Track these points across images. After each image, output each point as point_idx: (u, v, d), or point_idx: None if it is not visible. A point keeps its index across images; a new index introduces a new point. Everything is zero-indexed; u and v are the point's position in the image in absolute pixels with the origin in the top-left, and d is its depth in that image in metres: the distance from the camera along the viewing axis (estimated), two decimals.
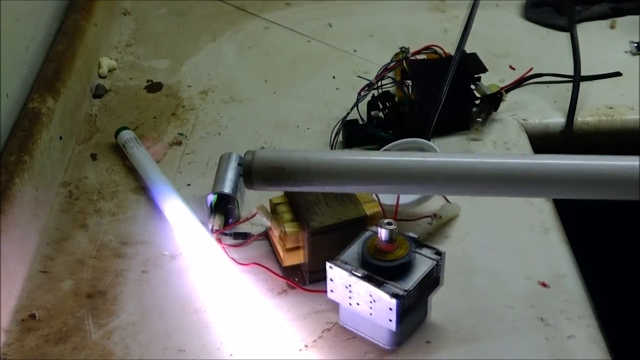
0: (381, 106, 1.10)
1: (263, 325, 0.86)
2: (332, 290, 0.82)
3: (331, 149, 1.10)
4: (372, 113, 1.10)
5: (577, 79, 1.16)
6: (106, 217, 1.01)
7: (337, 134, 1.10)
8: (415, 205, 0.95)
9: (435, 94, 1.07)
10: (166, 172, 1.05)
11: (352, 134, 1.10)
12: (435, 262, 0.82)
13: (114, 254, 0.95)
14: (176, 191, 1.01)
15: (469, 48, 1.11)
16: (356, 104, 1.10)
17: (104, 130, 1.16)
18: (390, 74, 1.16)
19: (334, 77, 1.26)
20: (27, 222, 0.94)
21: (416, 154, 0.77)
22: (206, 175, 1.06)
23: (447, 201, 0.99)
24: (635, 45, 1.28)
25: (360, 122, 1.10)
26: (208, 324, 0.86)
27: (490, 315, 0.86)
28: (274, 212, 0.92)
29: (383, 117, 1.10)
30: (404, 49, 1.18)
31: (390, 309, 0.78)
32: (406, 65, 1.15)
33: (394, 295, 0.77)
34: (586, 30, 1.31)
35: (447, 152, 0.77)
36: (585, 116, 1.16)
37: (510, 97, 1.17)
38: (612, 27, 1.35)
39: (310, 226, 0.86)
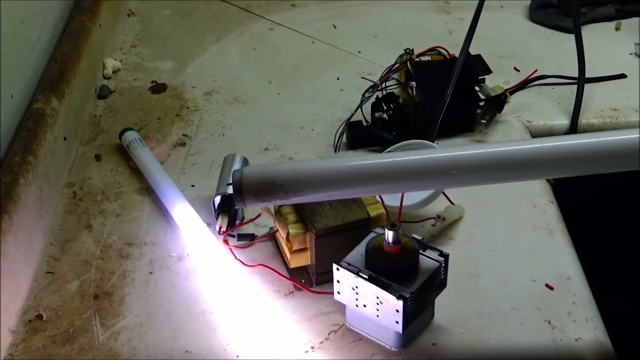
0: (385, 108, 1.10)
1: (270, 326, 0.86)
2: (338, 292, 0.82)
3: (335, 150, 1.10)
4: (376, 114, 1.10)
5: (581, 80, 1.16)
6: (110, 218, 1.01)
7: (341, 135, 1.10)
8: (419, 207, 0.95)
9: (439, 95, 1.07)
10: (170, 173, 1.05)
11: (356, 135, 1.10)
12: (439, 264, 0.82)
13: (120, 255, 0.95)
14: (180, 192, 1.01)
15: (473, 50, 1.11)
16: (360, 106, 1.10)
17: (108, 131, 1.16)
18: (395, 76, 1.17)
19: (338, 79, 1.26)
20: (31, 222, 0.94)
21: (401, 154, 0.77)
22: (210, 176, 1.06)
23: (451, 203, 0.99)
24: None
25: (364, 123, 1.10)
26: (215, 325, 0.86)
27: (496, 318, 0.86)
28: (278, 213, 0.92)
29: (387, 118, 1.10)
30: (408, 51, 1.18)
31: (397, 311, 0.78)
32: (410, 67, 1.15)
33: (400, 297, 0.77)
34: (591, 32, 1.31)
35: (426, 150, 0.78)
36: (589, 118, 1.16)
37: (514, 99, 1.17)
38: (617, 29, 1.35)
39: (314, 228, 0.86)
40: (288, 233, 0.88)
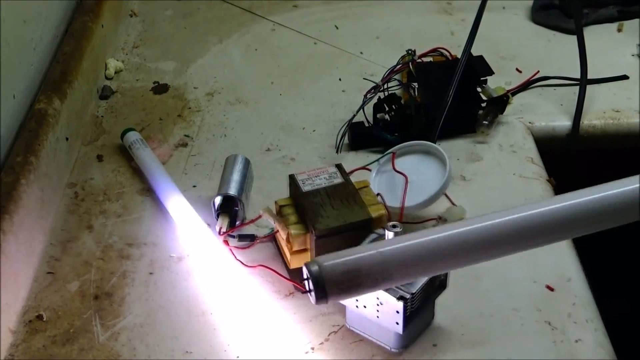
0: (387, 108, 1.10)
1: (270, 327, 0.86)
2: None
3: (337, 151, 1.10)
4: (378, 115, 1.10)
5: (583, 82, 1.16)
6: (112, 219, 1.01)
7: (343, 136, 1.10)
8: (420, 208, 0.95)
9: (441, 96, 1.07)
10: (172, 174, 1.05)
11: (358, 136, 1.10)
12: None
13: (120, 255, 0.95)
14: (182, 193, 1.01)
15: (475, 51, 1.11)
16: (362, 107, 1.10)
17: (110, 132, 1.16)
18: (397, 77, 1.17)
19: (340, 79, 1.26)
20: (33, 223, 0.94)
21: (490, 216, 0.69)
22: (212, 177, 1.06)
23: (453, 204, 0.99)
24: None
25: (366, 124, 1.10)
26: (215, 325, 0.87)
27: (497, 319, 0.86)
28: (279, 214, 0.92)
29: (389, 119, 1.10)
30: (410, 52, 1.18)
31: (397, 312, 0.78)
32: (412, 68, 1.15)
33: (400, 298, 0.77)
34: (593, 34, 1.31)
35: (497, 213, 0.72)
36: (591, 119, 1.16)
37: (516, 100, 1.17)
38: (619, 30, 1.35)
39: (315, 229, 0.86)
40: (288, 234, 0.88)
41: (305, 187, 0.91)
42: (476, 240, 0.69)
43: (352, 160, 1.08)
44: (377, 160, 1.01)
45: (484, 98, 1.12)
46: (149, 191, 1.05)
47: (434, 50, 1.22)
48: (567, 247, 0.94)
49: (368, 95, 1.11)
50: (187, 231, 0.97)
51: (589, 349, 0.82)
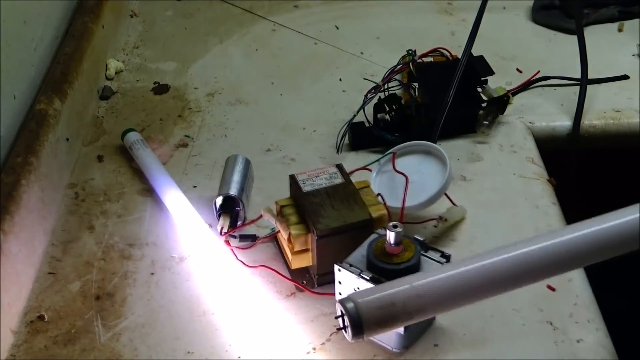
0: (387, 109, 1.10)
1: (271, 327, 0.86)
2: (340, 293, 0.82)
3: (337, 151, 1.10)
4: (379, 116, 1.10)
5: (584, 82, 1.16)
6: (112, 219, 1.01)
7: (344, 136, 1.10)
8: (421, 208, 0.95)
9: (441, 96, 1.07)
10: (172, 174, 1.05)
11: (359, 136, 1.10)
12: (441, 265, 0.81)
13: (121, 256, 0.95)
14: (182, 193, 1.01)
15: (476, 51, 1.11)
16: (362, 107, 1.10)
17: (110, 132, 1.16)
18: (397, 77, 1.17)
19: (340, 80, 1.26)
20: (33, 223, 0.94)
21: (518, 247, 0.72)
22: (212, 177, 1.06)
23: (454, 204, 0.99)
24: None
25: (367, 124, 1.10)
26: (216, 326, 0.87)
27: (498, 319, 0.86)
28: (280, 214, 0.92)
29: (389, 119, 1.10)
30: (410, 52, 1.18)
31: None
32: (413, 68, 1.15)
33: None
34: (594, 34, 1.31)
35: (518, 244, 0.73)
36: (592, 119, 1.16)
37: (517, 100, 1.17)
38: (619, 30, 1.35)
39: (316, 229, 0.86)
40: (290, 234, 0.88)
41: (306, 188, 0.91)
42: (506, 271, 0.71)
43: (352, 160, 1.08)
44: (378, 160, 1.01)
45: (485, 98, 1.12)
46: (149, 191, 1.05)
47: (435, 50, 1.22)
48: None
49: (368, 96, 1.11)
50: (188, 231, 0.97)
51: (591, 349, 0.82)
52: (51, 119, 1.03)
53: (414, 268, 0.80)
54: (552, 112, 1.17)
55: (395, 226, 0.80)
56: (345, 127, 1.10)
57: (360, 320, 0.68)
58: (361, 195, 0.91)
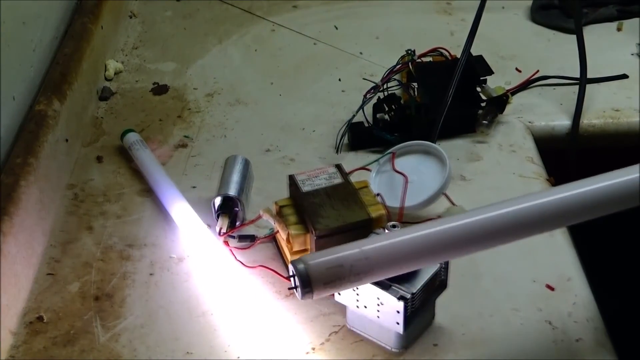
0: (387, 109, 1.10)
1: (270, 327, 0.86)
2: (339, 293, 0.82)
3: (337, 151, 1.10)
4: (378, 115, 1.10)
5: (583, 81, 1.16)
6: (111, 220, 1.01)
7: (343, 136, 1.10)
8: (420, 208, 0.95)
9: (441, 96, 1.07)
10: (171, 175, 1.05)
11: (358, 136, 1.10)
12: (440, 265, 0.81)
13: (120, 257, 0.95)
14: (181, 194, 1.01)
15: (475, 50, 1.11)
16: (362, 107, 1.10)
17: (109, 133, 1.16)
18: (396, 77, 1.17)
19: (339, 80, 1.26)
20: (33, 224, 0.94)
21: (464, 215, 0.74)
22: (212, 177, 1.06)
23: (453, 204, 0.99)
24: None
25: (366, 124, 1.10)
26: (215, 326, 0.87)
27: (497, 318, 0.86)
28: (279, 214, 0.92)
29: (389, 119, 1.10)
30: (410, 52, 1.18)
31: (398, 312, 0.78)
32: (412, 68, 1.15)
33: (400, 298, 0.77)
34: (593, 33, 1.31)
35: (474, 210, 0.75)
36: (591, 118, 1.16)
37: (516, 100, 1.17)
38: (618, 29, 1.35)
39: (315, 229, 0.86)
40: (289, 234, 0.88)
41: (305, 188, 0.91)
42: (451, 238, 0.73)
43: (351, 160, 1.08)
44: (377, 160, 1.01)
45: (484, 98, 1.12)
46: (148, 192, 1.05)
47: (434, 50, 1.22)
48: (567, 246, 0.95)
49: (368, 96, 1.12)
50: (187, 232, 0.97)
51: (590, 348, 0.82)
52: (50, 120, 1.03)
53: None
54: (551, 112, 1.17)
55: (394, 226, 0.80)
56: (344, 127, 1.10)
57: (309, 279, 0.71)
58: (360, 195, 0.91)
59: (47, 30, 1.18)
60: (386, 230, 0.80)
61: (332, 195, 0.90)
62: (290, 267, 0.73)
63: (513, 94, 1.17)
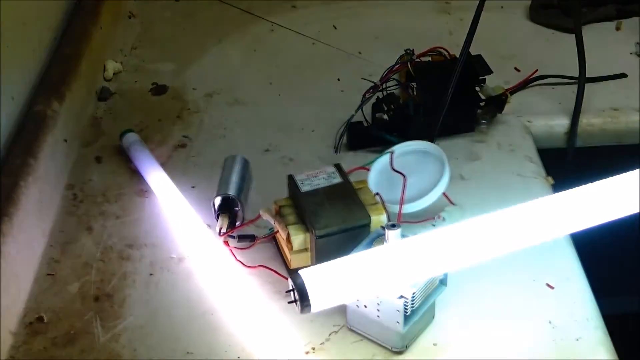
0: (386, 108, 1.10)
1: (270, 327, 0.86)
2: None
3: (336, 151, 1.10)
4: (377, 115, 1.10)
5: (582, 80, 1.16)
6: (111, 220, 1.01)
7: (342, 136, 1.10)
8: (419, 208, 0.95)
9: (440, 96, 1.07)
10: (171, 175, 1.05)
11: (357, 136, 1.10)
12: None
13: (120, 257, 0.95)
14: (181, 193, 1.01)
15: (474, 50, 1.11)
16: (361, 106, 1.10)
17: (108, 133, 1.16)
18: (395, 76, 1.17)
19: (338, 80, 1.26)
20: (32, 225, 0.94)
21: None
22: (211, 177, 1.06)
23: (452, 203, 0.99)
24: None
25: (365, 124, 1.10)
26: (216, 326, 0.86)
27: (497, 318, 0.86)
28: (278, 214, 0.92)
29: (388, 119, 1.10)
30: (408, 51, 1.18)
31: (397, 311, 0.78)
32: (411, 68, 1.15)
33: (400, 297, 0.77)
34: (592, 32, 1.31)
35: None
36: (590, 118, 1.16)
37: (515, 99, 1.17)
38: (617, 28, 1.35)
39: (315, 229, 0.86)
40: (288, 234, 0.88)
41: (304, 187, 0.91)
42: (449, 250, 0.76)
43: (351, 160, 1.07)
44: (376, 159, 1.01)
45: (483, 97, 1.12)
46: (148, 192, 1.05)
47: (433, 49, 1.22)
48: (567, 246, 0.94)
49: (367, 95, 1.12)
50: (187, 232, 0.97)
51: (590, 347, 0.82)
52: (49, 120, 1.03)
53: None
54: (550, 111, 1.17)
55: (393, 226, 0.80)
56: (343, 126, 1.10)
57: (308, 294, 0.72)
58: (359, 194, 0.91)
59: (46, 30, 1.18)
60: (385, 230, 0.80)
61: (331, 195, 0.90)
62: (289, 281, 0.73)
63: (512, 93, 1.17)
